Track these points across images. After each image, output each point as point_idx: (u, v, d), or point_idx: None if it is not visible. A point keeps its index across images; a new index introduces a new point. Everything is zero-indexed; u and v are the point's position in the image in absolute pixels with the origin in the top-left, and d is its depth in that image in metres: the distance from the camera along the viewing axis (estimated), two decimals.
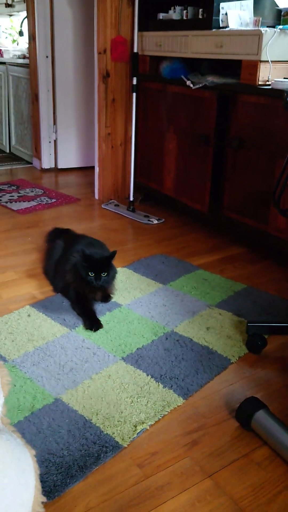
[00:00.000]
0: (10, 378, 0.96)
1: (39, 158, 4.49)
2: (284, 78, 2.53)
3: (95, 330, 1.99)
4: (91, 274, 2.01)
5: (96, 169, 3.60)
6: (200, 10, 2.91)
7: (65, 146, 4.45)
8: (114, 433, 1.46)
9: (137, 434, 1.47)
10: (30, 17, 4.19)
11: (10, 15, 5.87)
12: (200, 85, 2.80)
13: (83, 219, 3.28)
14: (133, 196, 3.46)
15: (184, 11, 3.04)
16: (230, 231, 2.96)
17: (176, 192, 3.20)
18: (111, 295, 2.23)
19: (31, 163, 4.70)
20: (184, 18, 3.04)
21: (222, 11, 2.74)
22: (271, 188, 2.53)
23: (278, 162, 2.47)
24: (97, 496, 1.27)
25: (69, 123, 4.41)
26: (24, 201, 3.55)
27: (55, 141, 4.43)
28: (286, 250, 2.54)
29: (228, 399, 1.62)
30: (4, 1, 5.30)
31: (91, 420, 1.51)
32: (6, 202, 3.51)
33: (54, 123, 4.38)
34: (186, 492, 1.29)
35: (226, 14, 2.74)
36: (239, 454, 1.41)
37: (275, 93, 2.42)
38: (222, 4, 2.72)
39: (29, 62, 4.34)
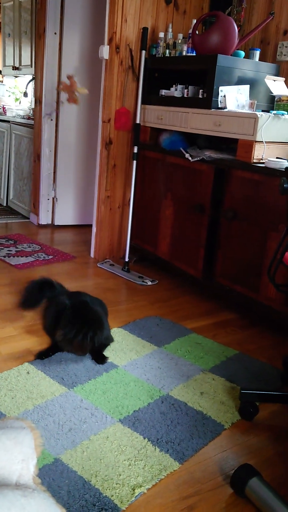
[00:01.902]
0: (42, 441, 1.03)
1: (37, 214, 4.63)
2: (277, 158, 2.73)
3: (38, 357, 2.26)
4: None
5: (94, 229, 3.74)
6: (201, 90, 3.15)
7: (63, 204, 4.61)
8: (113, 495, 1.51)
9: (135, 497, 1.51)
10: (38, 82, 4.44)
11: (16, 77, 6.17)
12: (198, 159, 2.99)
13: (78, 277, 3.38)
14: (128, 256, 3.58)
15: (185, 90, 3.28)
16: (222, 297, 3.08)
17: (171, 256, 3.34)
18: (105, 357, 2.30)
19: (28, 218, 4.84)
20: (185, 96, 3.27)
21: (221, 94, 2.98)
22: (262, 259, 2.67)
23: (269, 235, 2.63)
24: None
25: (68, 182, 4.59)
26: (22, 256, 3.65)
27: (53, 199, 4.60)
28: (276, 318, 2.65)
29: (222, 465, 1.68)
30: (11, 64, 5.59)
31: (90, 481, 1.56)
32: (4, 257, 3.61)
33: (54, 181, 4.56)
34: None
35: (224, 96, 2.97)
36: None
37: (268, 171, 2.61)
38: (221, 88, 2.96)
39: (34, 123, 4.56)
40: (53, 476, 1.57)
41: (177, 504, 1.51)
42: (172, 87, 3.39)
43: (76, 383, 2.09)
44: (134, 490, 1.54)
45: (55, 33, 4.25)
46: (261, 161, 2.74)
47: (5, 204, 5.35)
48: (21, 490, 0.88)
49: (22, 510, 0.82)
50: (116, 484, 1.56)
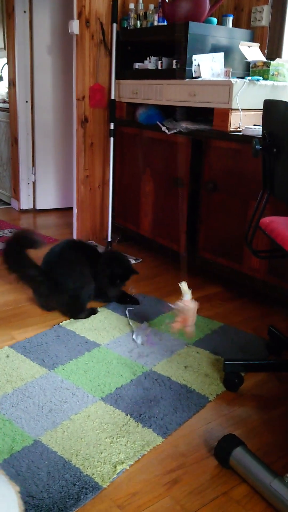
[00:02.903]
0: None
1: (18, 199, 4.55)
2: (254, 125, 2.66)
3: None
4: None
5: (75, 211, 3.67)
6: (174, 61, 3.06)
7: (43, 187, 4.53)
8: (94, 473, 1.47)
9: (117, 474, 1.47)
10: (11, 64, 4.33)
11: None
12: (175, 131, 2.92)
13: None
14: (111, 236, 3.52)
15: (159, 62, 3.19)
16: (206, 271, 3.03)
17: (153, 233, 3.28)
18: None
19: (9, 204, 4.75)
20: (159, 68, 3.19)
21: (194, 63, 2.89)
22: (245, 230, 2.62)
23: (250, 204, 2.58)
24: None
25: (48, 165, 4.50)
26: (3, 242, 3.57)
27: (33, 183, 4.51)
28: (260, 289, 2.61)
29: (207, 437, 1.65)
30: None
31: (71, 461, 1.52)
32: None
33: (33, 165, 4.47)
34: None
35: (198, 65, 2.89)
36: (218, 492, 1.43)
37: (246, 139, 2.54)
38: (194, 56, 2.88)
39: (9, 106, 4.46)
40: (32, 458, 1.52)
41: (161, 479, 1.47)
42: (146, 59, 3.30)
43: (57, 364, 2.04)
44: (115, 467, 1.50)
45: (25, 12, 4.12)
46: (238, 129, 2.67)
47: None
48: None
49: None
50: (97, 462, 1.51)
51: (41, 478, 1.44)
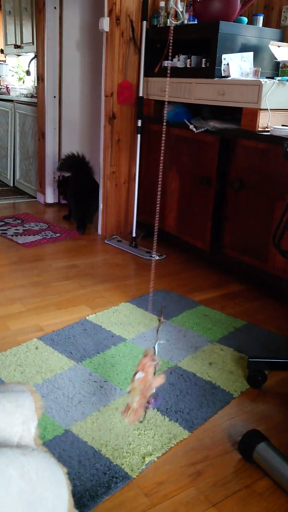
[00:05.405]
0: (42, 403, 1.04)
1: (43, 193, 4.62)
2: (283, 125, 2.68)
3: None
4: None
5: (100, 206, 3.73)
6: (203, 60, 3.08)
7: None
8: (123, 464, 1.53)
9: (146, 465, 1.53)
10: (40, 59, 4.39)
11: (18, 55, 6.11)
12: (203, 130, 2.95)
13: (86, 254, 3.38)
14: (135, 232, 3.57)
15: (188, 60, 3.22)
16: (230, 269, 3.06)
17: (178, 230, 3.32)
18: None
19: (35, 198, 4.83)
20: (188, 66, 3.21)
21: (224, 62, 2.92)
22: (270, 228, 2.65)
23: (277, 204, 2.60)
24: None
25: None
26: (29, 235, 3.66)
27: (59, 177, 4.57)
28: (285, 288, 2.64)
29: (230, 432, 1.70)
30: (13, 43, 5.52)
31: (101, 451, 1.58)
32: (12, 236, 3.62)
33: (59, 159, 4.53)
34: None
35: (227, 64, 2.91)
36: (242, 484, 1.48)
37: (274, 139, 2.56)
38: (224, 56, 2.90)
39: (37, 101, 4.52)
40: (64, 447, 1.59)
41: (186, 470, 1.52)
42: (175, 58, 3.32)
43: (84, 357, 2.10)
44: (144, 458, 1.55)
45: (55, 8, 4.18)
46: (266, 129, 2.69)
47: (12, 185, 5.35)
48: (20, 449, 0.90)
49: (21, 468, 0.83)
50: (126, 453, 1.57)
51: (73, 467, 1.51)
